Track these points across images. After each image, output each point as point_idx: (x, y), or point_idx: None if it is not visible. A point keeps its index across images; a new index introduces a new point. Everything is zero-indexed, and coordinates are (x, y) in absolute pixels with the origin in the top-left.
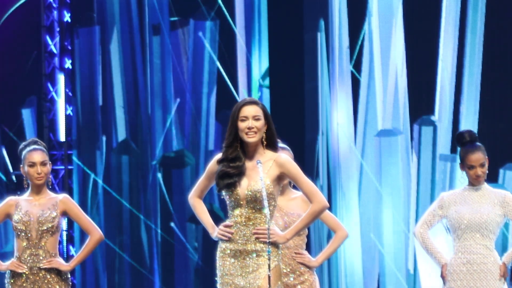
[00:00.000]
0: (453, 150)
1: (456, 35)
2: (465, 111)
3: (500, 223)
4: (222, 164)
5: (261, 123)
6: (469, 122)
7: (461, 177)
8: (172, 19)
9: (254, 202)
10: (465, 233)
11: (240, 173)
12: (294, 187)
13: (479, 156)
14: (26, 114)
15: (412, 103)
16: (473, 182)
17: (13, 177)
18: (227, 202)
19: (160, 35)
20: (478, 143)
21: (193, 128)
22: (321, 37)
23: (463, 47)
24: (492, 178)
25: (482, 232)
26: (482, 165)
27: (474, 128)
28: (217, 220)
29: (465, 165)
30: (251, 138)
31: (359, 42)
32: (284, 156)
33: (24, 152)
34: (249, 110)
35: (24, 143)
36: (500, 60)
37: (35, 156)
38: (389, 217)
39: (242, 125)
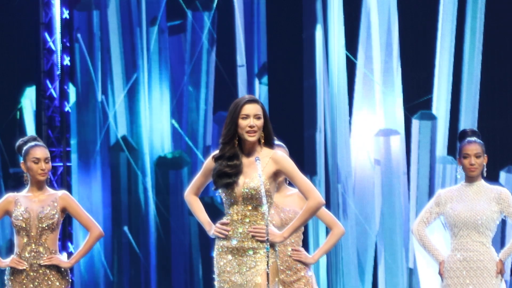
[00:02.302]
0: (451, 149)
1: (454, 33)
2: (464, 111)
3: (496, 220)
4: (220, 162)
5: (261, 122)
6: (468, 122)
7: (459, 172)
8: (170, 23)
9: (251, 200)
10: (461, 231)
11: (238, 172)
12: (290, 184)
13: (475, 147)
14: (26, 105)
15: (410, 101)
16: (468, 173)
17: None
18: (224, 199)
19: (159, 32)
20: (478, 139)
21: (191, 127)
22: (319, 34)
23: (462, 45)
24: (493, 179)
25: (478, 229)
26: (477, 156)
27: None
28: (219, 215)
29: (461, 155)
30: (252, 137)
31: (357, 40)
32: (280, 153)
33: (26, 148)
34: (251, 109)
35: (22, 139)
36: (500, 59)
37: (39, 152)
38: (388, 214)
39: (243, 123)
